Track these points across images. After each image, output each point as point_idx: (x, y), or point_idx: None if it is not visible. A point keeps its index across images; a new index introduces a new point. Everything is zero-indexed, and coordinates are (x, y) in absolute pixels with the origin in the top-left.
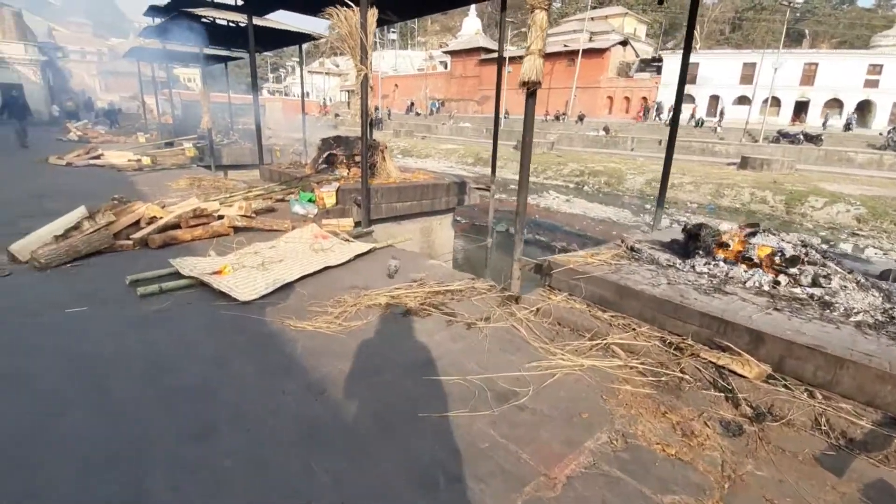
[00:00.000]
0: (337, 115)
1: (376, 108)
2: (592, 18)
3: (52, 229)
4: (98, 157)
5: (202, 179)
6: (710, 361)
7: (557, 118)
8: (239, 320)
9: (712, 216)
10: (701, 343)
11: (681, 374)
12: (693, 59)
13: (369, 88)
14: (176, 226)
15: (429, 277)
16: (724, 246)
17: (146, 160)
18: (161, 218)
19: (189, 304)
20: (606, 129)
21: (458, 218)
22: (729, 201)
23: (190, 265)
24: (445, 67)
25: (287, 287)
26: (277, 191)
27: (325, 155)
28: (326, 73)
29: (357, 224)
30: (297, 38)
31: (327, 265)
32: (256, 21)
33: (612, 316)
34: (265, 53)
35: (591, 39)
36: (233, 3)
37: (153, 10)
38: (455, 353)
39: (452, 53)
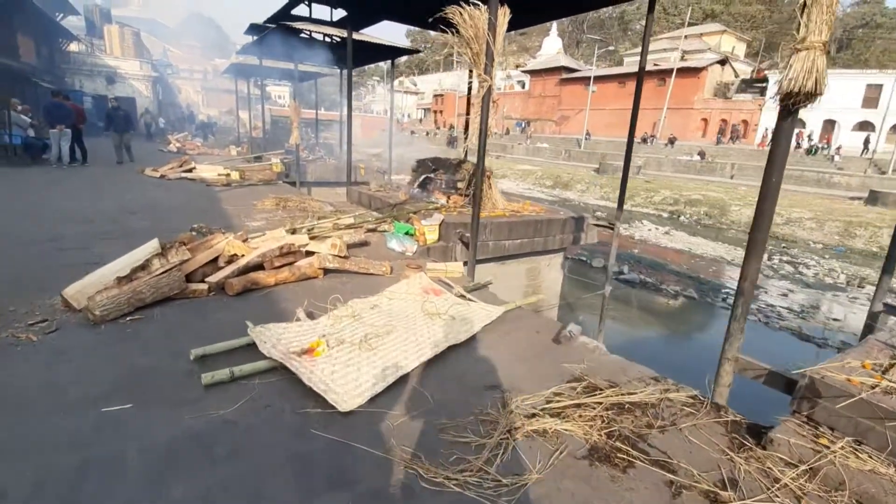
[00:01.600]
0: (413, 133)
1: (451, 127)
2: (686, 36)
3: (116, 268)
4: (190, 171)
5: (288, 200)
6: None
7: (644, 140)
8: (340, 454)
9: (843, 259)
10: None
11: None
12: None
13: (492, 102)
14: (259, 266)
15: (592, 369)
16: None
17: (234, 175)
18: (242, 256)
19: (268, 408)
20: (702, 154)
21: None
22: (863, 243)
23: (272, 337)
24: (523, 87)
25: (402, 381)
26: (370, 220)
27: (420, 178)
28: (405, 92)
29: (464, 264)
30: (391, 52)
31: (452, 342)
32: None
33: None
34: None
35: (683, 58)
36: (328, 17)
37: (253, 29)
38: None
39: (532, 73)
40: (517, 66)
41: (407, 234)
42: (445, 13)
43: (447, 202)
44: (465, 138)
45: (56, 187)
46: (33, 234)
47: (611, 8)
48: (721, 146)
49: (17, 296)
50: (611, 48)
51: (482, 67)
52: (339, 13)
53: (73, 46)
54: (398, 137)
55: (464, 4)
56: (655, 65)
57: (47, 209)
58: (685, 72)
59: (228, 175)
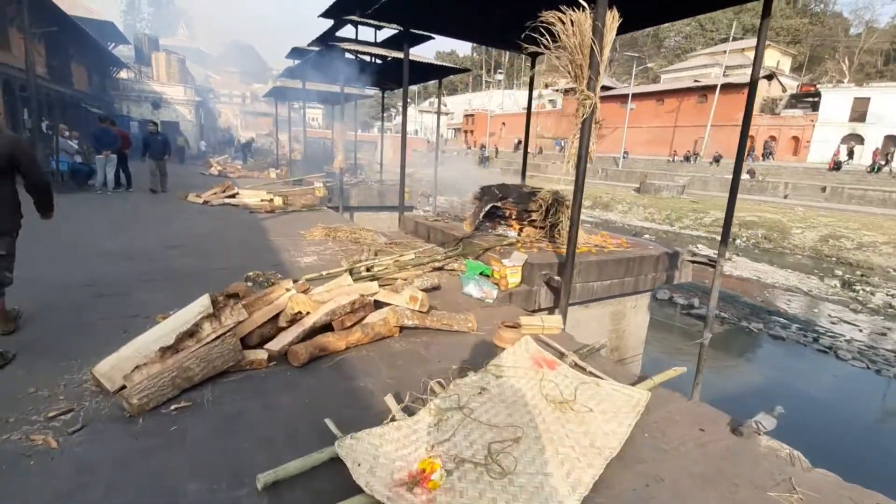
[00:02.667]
0: (444, 153)
1: (482, 146)
2: (727, 52)
3: (159, 334)
4: (233, 196)
5: (337, 230)
6: None
7: (687, 159)
8: None
9: None
10: None
11: None
12: (861, 93)
13: (594, 123)
14: (326, 325)
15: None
16: None
17: (278, 201)
18: (307, 314)
19: None
20: (751, 172)
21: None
22: None
23: (367, 455)
24: (554, 106)
25: None
26: (437, 257)
27: (486, 207)
28: (435, 112)
29: (549, 311)
30: (441, 71)
31: (608, 458)
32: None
33: None
34: (375, 91)
35: (724, 74)
36: (372, 37)
37: (295, 52)
38: None
39: (565, 91)
40: (546, 86)
41: (482, 274)
42: (542, 18)
43: (519, 235)
44: (496, 156)
45: (98, 216)
46: (68, 277)
47: None
48: (766, 164)
49: (40, 367)
50: (649, 65)
51: (585, 82)
52: (384, 34)
53: (123, 74)
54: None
55: (564, 8)
56: (696, 81)
57: (86, 243)
58: (729, 87)
59: (271, 200)
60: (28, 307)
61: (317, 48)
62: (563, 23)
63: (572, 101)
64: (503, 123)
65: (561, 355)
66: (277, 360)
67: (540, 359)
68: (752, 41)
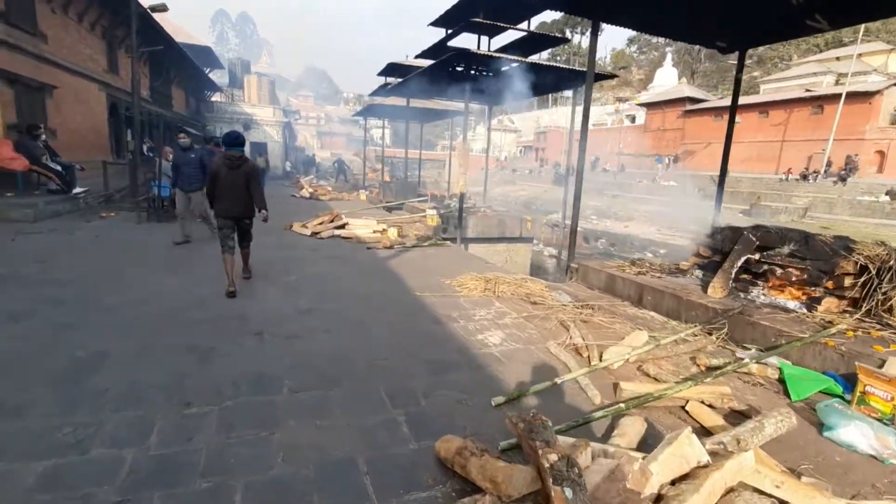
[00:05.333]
0: (515, 171)
1: (556, 164)
2: (839, 58)
3: None
4: (342, 227)
5: (496, 281)
6: None
7: (804, 177)
8: None
9: None
10: None
11: None
12: None
13: None
14: None
15: None
16: None
17: (391, 233)
18: None
19: None
20: (892, 194)
21: None
22: None
23: None
24: (632, 121)
25: None
26: (728, 363)
27: (739, 262)
28: (503, 130)
29: None
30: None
31: None
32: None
33: None
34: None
35: (837, 82)
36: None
37: (390, 69)
38: None
39: (648, 105)
40: (618, 101)
41: (830, 394)
42: None
43: (810, 310)
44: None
45: (199, 254)
46: (146, 372)
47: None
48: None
49: None
50: (755, 73)
51: None
52: (497, 42)
53: (216, 97)
54: (500, 175)
55: None
56: (807, 90)
57: (177, 299)
58: (850, 97)
59: (384, 231)
60: None
61: (414, 64)
62: None
63: (658, 115)
64: (577, 140)
65: None
66: None
67: None
68: (873, 45)
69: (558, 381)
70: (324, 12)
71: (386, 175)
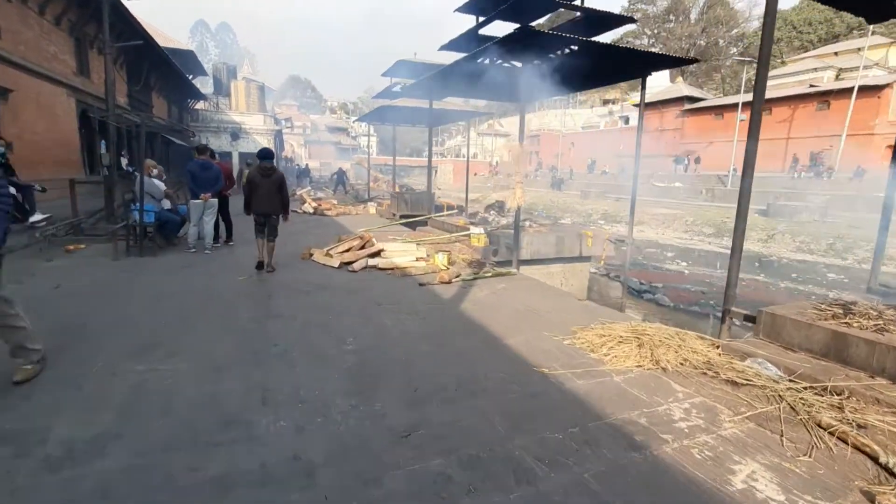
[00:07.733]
0: (510, 175)
1: (553, 168)
2: (837, 53)
3: None
4: (376, 255)
5: (640, 332)
6: None
7: (818, 174)
8: None
9: None
10: None
11: None
12: None
13: None
14: None
15: None
16: None
17: (438, 260)
18: None
19: None
20: None
21: None
22: None
23: None
24: (626, 122)
25: None
26: None
27: None
28: (494, 135)
29: None
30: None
31: None
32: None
33: None
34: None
35: (837, 77)
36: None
37: (400, 66)
38: None
39: (646, 106)
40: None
41: None
42: None
43: None
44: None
45: (209, 307)
46: None
47: (728, 33)
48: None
49: None
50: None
51: None
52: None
53: (200, 104)
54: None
55: None
56: (811, 86)
57: (198, 404)
58: (858, 92)
59: (429, 259)
60: None
61: (427, 61)
62: None
63: (655, 116)
64: (572, 143)
65: None
66: None
67: None
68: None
69: None
70: (305, 21)
71: (397, 187)
